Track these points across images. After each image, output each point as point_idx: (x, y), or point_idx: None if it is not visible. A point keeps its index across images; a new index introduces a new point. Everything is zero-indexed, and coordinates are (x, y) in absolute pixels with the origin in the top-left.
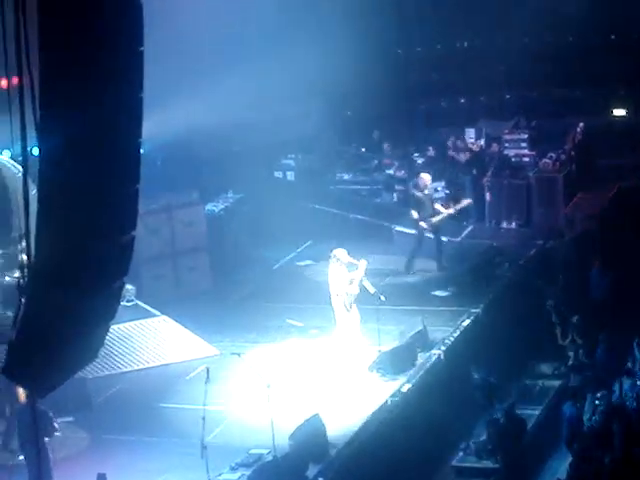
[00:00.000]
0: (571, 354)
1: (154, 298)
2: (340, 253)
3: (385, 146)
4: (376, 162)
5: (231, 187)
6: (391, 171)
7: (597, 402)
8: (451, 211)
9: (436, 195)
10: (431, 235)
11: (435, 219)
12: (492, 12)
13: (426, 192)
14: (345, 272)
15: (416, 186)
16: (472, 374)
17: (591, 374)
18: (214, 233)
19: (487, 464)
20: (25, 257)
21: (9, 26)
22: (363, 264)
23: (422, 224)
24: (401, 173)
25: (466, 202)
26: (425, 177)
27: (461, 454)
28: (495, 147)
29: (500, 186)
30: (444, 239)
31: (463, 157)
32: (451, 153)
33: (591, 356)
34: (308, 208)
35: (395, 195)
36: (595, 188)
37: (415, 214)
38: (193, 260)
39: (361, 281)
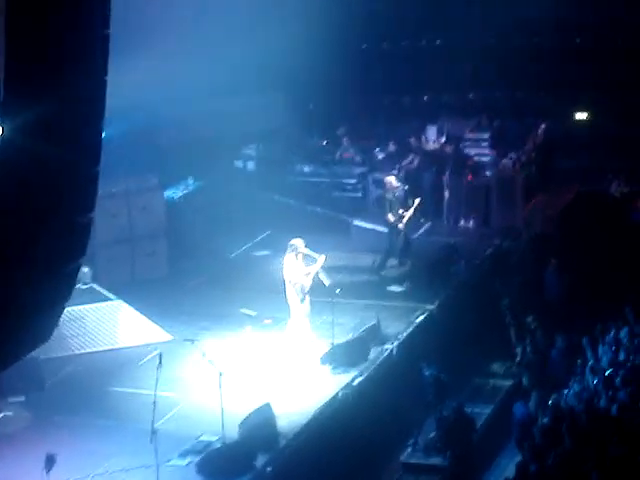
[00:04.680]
0: (519, 350)
1: (110, 282)
2: (298, 243)
3: (344, 140)
4: (337, 155)
5: (191, 174)
6: (358, 168)
7: (549, 403)
8: (411, 211)
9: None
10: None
11: (406, 218)
12: (459, 11)
13: (396, 194)
14: (301, 263)
15: (385, 189)
16: (423, 371)
17: (538, 372)
18: (173, 219)
19: (435, 461)
20: None
21: None
22: (322, 259)
23: (400, 226)
24: (362, 168)
25: (417, 201)
26: (391, 180)
27: (409, 450)
28: (452, 147)
29: (459, 185)
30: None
31: (415, 163)
32: (403, 164)
33: (539, 353)
34: (267, 199)
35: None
36: (554, 190)
37: (391, 217)
38: (150, 245)
39: (317, 273)
